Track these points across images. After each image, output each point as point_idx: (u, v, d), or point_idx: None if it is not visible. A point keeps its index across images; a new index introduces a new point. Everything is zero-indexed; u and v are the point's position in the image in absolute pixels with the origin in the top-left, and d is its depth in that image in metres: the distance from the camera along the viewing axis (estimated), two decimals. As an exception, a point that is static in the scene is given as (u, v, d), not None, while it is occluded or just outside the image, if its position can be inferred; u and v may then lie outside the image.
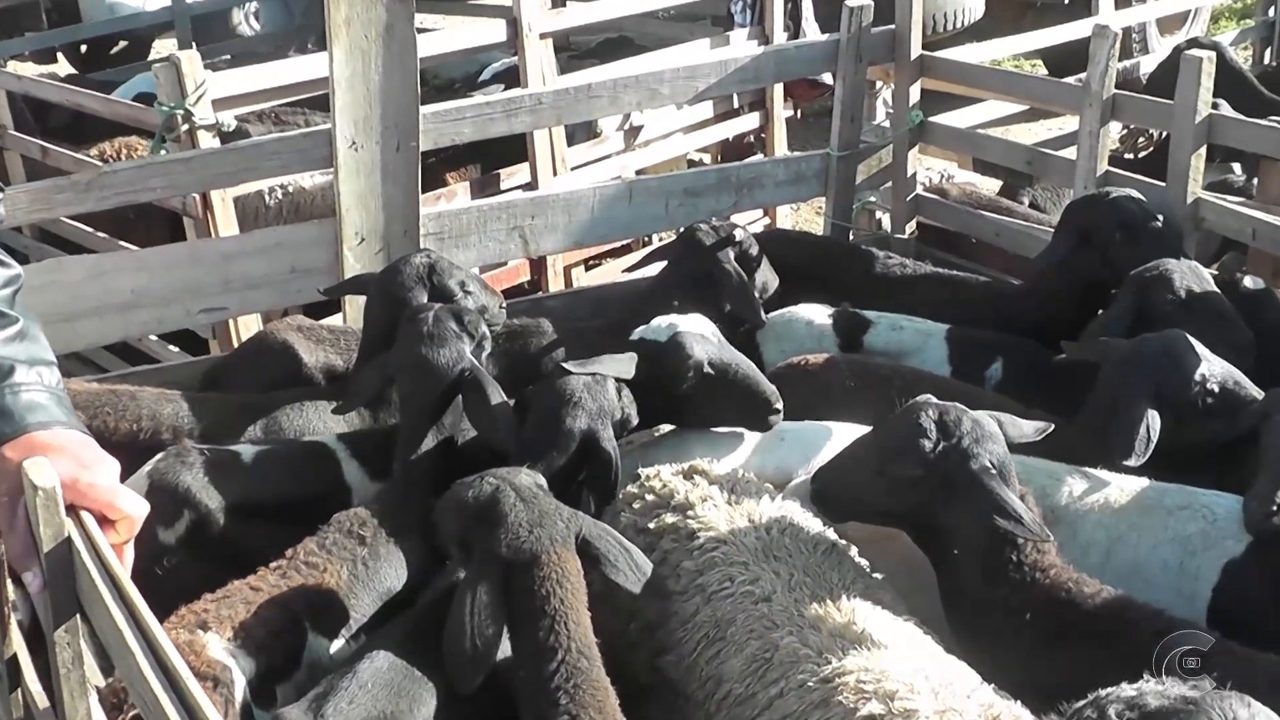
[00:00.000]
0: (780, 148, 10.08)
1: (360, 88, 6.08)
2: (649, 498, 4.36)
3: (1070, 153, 7.19)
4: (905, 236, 7.94)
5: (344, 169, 6.19)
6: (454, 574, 4.10)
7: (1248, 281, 5.91)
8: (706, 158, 10.59)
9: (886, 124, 8.25)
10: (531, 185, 8.38)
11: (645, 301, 6.22)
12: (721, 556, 4.00)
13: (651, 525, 4.25)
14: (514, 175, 8.54)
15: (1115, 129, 11.57)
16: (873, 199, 8.21)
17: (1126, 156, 10.30)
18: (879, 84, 8.73)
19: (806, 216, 11.49)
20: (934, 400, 4.08)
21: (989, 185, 9.62)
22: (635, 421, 4.83)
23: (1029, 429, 4.21)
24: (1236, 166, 9.04)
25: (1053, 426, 4.31)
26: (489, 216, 6.91)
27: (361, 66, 6.06)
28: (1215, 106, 7.71)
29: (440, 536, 3.90)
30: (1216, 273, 6.04)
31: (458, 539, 3.77)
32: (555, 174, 8.53)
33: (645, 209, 7.26)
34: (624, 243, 8.98)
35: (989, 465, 3.86)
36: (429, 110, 6.53)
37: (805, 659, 3.55)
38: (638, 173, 9.10)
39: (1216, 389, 4.78)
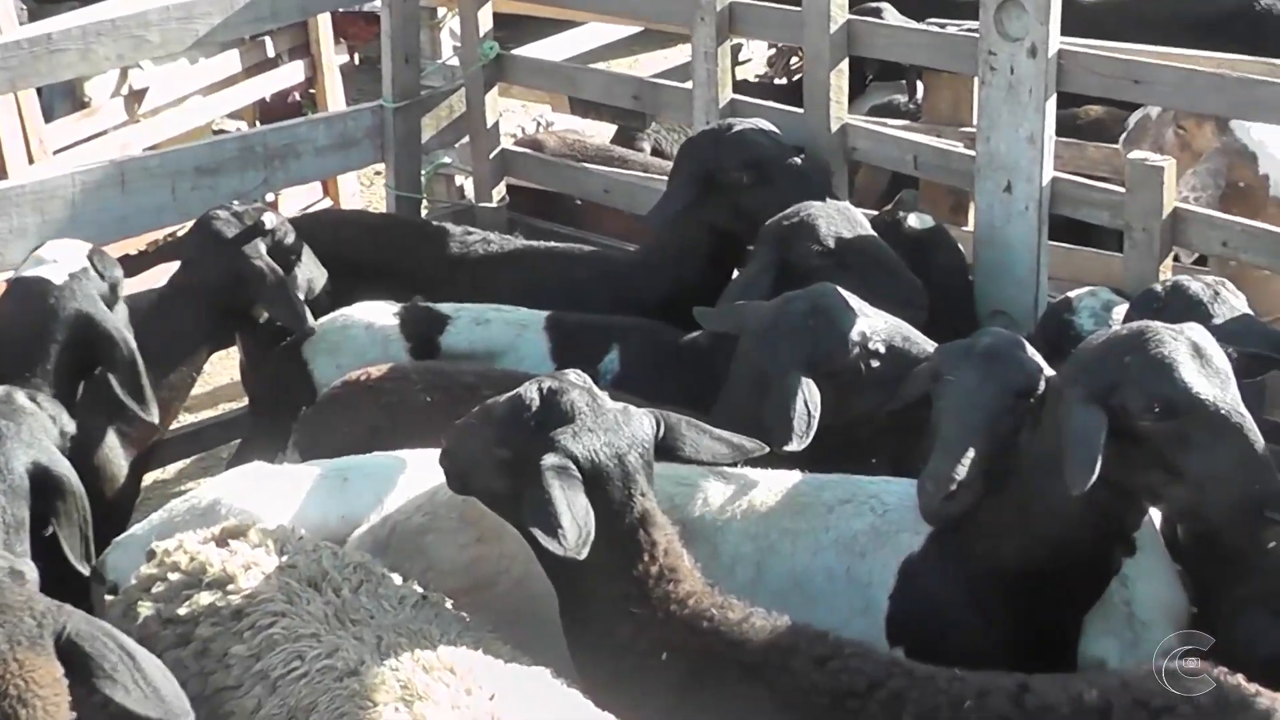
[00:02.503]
0: (337, 105, 10.08)
1: None
2: (174, 577, 4.29)
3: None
4: (493, 204, 8.10)
5: None
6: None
7: (912, 220, 6.29)
8: (242, 125, 10.48)
9: (455, 62, 8.39)
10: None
11: (155, 317, 6.18)
12: (283, 632, 3.99)
13: (182, 611, 4.18)
14: (-28, 167, 8.26)
15: (761, 50, 12.20)
16: (447, 160, 8.32)
17: (778, 82, 10.78)
18: (442, 11, 8.83)
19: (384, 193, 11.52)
20: (575, 376, 4.16)
21: (605, 132, 9.92)
22: (71, 429, 4.73)
23: None
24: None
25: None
26: (-77, 223, 6.66)
27: None
28: (878, 14, 8.17)
29: None
30: (878, 214, 6.41)
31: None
32: (32, 161, 8.33)
33: (145, 197, 7.16)
34: (144, 246, 8.78)
35: (564, 464, 3.94)
36: None
37: None
38: (148, 152, 8.92)
39: (881, 348, 5.06)
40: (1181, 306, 5.03)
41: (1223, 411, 4.09)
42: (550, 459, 3.92)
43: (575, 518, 3.83)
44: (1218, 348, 4.22)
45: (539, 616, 4.35)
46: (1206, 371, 4.13)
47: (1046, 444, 4.32)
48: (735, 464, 4.56)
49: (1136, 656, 4.47)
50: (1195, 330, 4.25)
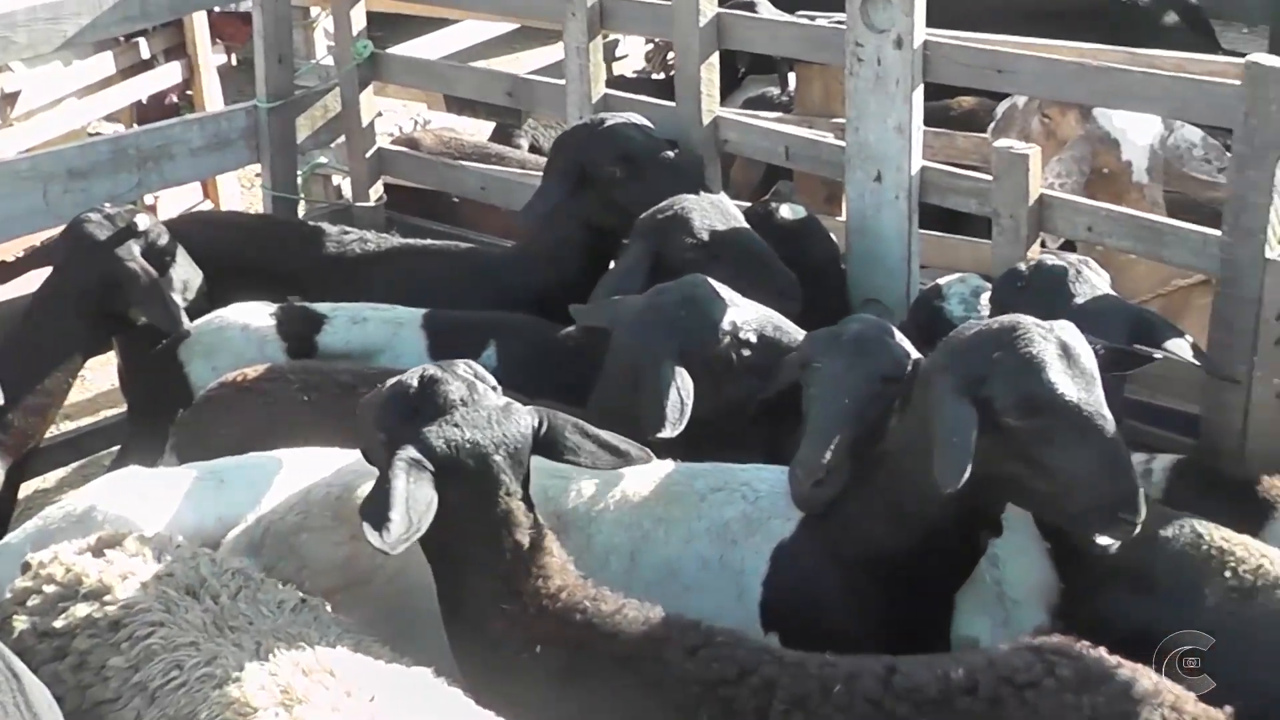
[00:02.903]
0: (215, 106, 10.01)
1: None
2: (49, 589, 4.24)
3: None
4: (371, 204, 8.10)
5: None
6: None
7: (784, 211, 6.33)
8: (119, 127, 10.38)
9: (329, 61, 8.39)
10: None
11: (29, 323, 6.16)
12: (161, 642, 3.96)
13: (59, 624, 4.13)
14: None
15: (638, 45, 12.23)
16: (324, 160, 8.30)
17: (655, 77, 10.85)
18: (316, 10, 8.83)
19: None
20: (462, 368, 4.14)
21: (484, 130, 9.93)
22: None
23: None
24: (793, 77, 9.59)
25: None
26: None
27: None
28: (751, 7, 8.22)
29: None
30: (751, 205, 6.46)
31: None
32: (-101, 168, 8.18)
33: (16, 201, 7.13)
34: (17, 251, 8.68)
35: (417, 458, 3.92)
36: None
37: None
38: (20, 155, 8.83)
39: (752, 337, 5.11)
40: (1043, 285, 5.10)
41: (1085, 413, 4.16)
42: (405, 451, 3.92)
43: (409, 513, 3.81)
44: (1087, 347, 4.28)
45: (416, 611, 4.36)
46: (1073, 372, 4.19)
47: (914, 429, 4.38)
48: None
49: (1008, 634, 4.54)
50: (1066, 329, 4.30)
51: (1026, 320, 4.29)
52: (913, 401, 4.47)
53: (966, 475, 4.07)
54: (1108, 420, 4.19)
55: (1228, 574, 4.51)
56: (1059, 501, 4.27)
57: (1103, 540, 4.26)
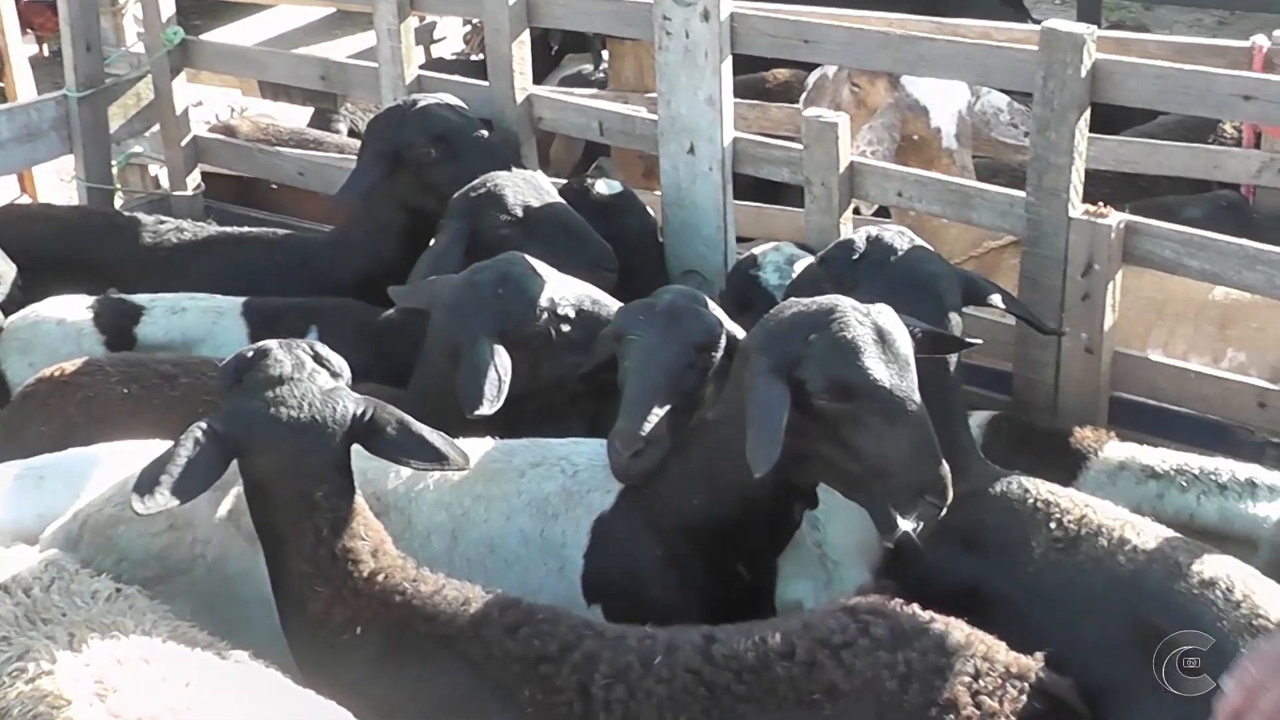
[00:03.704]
0: (27, 98, 9.81)
1: None
2: None
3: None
4: (189, 193, 8.01)
5: None
6: None
7: (600, 187, 6.36)
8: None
9: (140, 49, 8.26)
10: None
11: None
12: (-30, 641, 3.92)
13: None
14: None
15: (456, 26, 12.23)
16: (139, 149, 8.18)
17: (474, 58, 10.84)
18: (118, -3, 8.72)
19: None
20: (302, 347, 4.13)
21: (304, 116, 9.87)
22: None
23: None
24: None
25: None
26: None
27: None
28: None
29: None
30: (566, 182, 6.48)
31: None
32: None
33: None
34: None
35: (209, 432, 3.91)
36: None
37: None
38: None
39: (570, 312, 5.13)
40: (879, 254, 5.10)
41: (897, 398, 4.17)
42: (200, 424, 3.93)
43: (181, 481, 3.83)
44: (904, 331, 4.29)
45: (237, 598, 4.36)
46: (887, 357, 4.19)
47: (732, 403, 4.39)
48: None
49: (831, 595, 4.61)
50: (883, 313, 4.30)
51: (845, 303, 4.29)
52: (731, 375, 4.51)
53: (775, 459, 4.07)
54: (919, 406, 4.21)
55: (1052, 524, 4.52)
56: (869, 483, 4.27)
57: (905, 524, 4.25)
